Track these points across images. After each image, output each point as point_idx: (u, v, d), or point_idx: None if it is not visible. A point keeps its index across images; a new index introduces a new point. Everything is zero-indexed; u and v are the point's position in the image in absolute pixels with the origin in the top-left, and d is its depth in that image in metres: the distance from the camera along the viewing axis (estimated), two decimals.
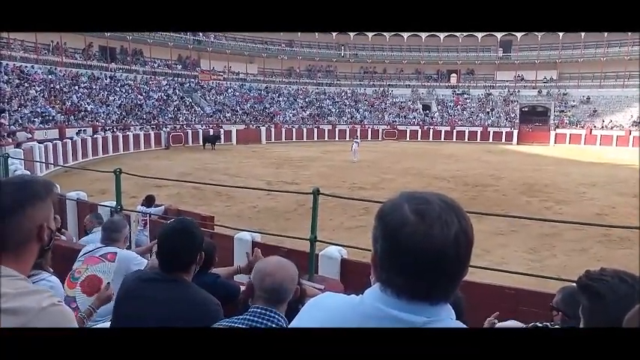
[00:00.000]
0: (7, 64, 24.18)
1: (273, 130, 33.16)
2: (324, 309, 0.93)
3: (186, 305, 1.90)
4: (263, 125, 33.55)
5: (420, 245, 0.82)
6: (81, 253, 3.16)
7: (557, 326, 2.04)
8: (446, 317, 0.86)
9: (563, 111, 37.41)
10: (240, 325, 1.65)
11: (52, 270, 2.23)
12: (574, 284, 1.75)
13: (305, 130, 34.56)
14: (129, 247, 3.72)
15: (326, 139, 34.08)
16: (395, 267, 0.85)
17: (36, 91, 23.85)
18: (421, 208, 0.84)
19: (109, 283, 2.63)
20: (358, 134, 31.31)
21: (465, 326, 0.89)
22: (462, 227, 0.84)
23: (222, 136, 28.67)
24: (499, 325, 2.61)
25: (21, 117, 20.79)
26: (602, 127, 34.24)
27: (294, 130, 34.10)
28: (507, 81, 40.72)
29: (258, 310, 1.63)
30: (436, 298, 0.86)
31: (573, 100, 37.97)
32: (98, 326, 2.43)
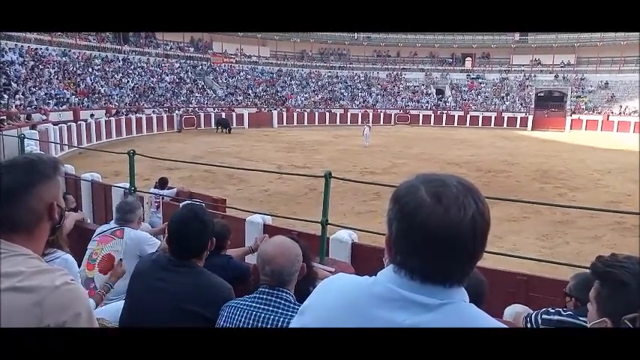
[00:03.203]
0: (21, 45, 24.37)
1: (284, 113, 33.06)
2: (337, 289, 0.93)
3: (199, 289, 1.92)
4: (275, 109, 33.46)
5: (437, 227, 0.81)
6: (95, 233, 3.21)
7: (569, 312, 2.04)
8: (459, 300, 0.86)
9: (580, 96, 36.68)
10: (249, 303, 1.70)
11: (68, 249, 2.27)
12: (587, 271, 1.72)
13: (317, 114, 34.40)
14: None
15: (338, 123, 33.89)
16: (410, 249, 0.84)
17: (50, 73, 24.02)
18: (438, 191, 0.83)
19: (121, 259, 2.70)
20: (370, 118, 31.11)
21: (478, 310, 0.88)
22: (479, 210, 0.83)
23: (231, 122, 28.32)
24: (507, 309, 2.60)
25: (36, 99, 21.00)
26: (620, 113, 33.55)
27: (305, 113, 33.95)
28: (524, 65, 39.97)
29: (266, 290, 1.69)
30: (450, 281, 0.85)
31: (591, 85, 37.20)
32: (114, 304, 2.47)
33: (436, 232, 0.81)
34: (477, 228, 0.82)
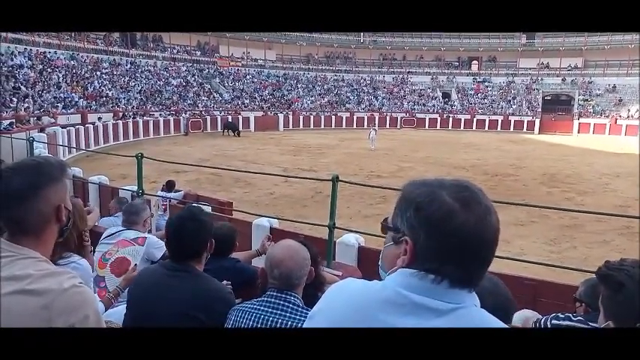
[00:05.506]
0: (30, 49, 24.59)
1: (290, 117, 33.12)
2: (347, 294, 0.93)
3: (198, 294, 1.90)
4: (281, 112, 33.54)
5: (471, 234, 0.83)
6: (103, 236, 3.22)
7: (579, 318, 2.02)
8: (470, 305, 0.86)
9: (587, 100, 36.45)
10: (257, 307, 1.70)
11: (87, 254, 2.27)
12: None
13: (323, 117, 34.40)
14: (149, 232, 3.76)
15: (344, 126, 33.87)
16: (443, 256, 0.84)
17: (58, 77, 24.22)
18: (465, 196, 0.85)
19: (135, 264, 2.70)
20: (376, 122, 31.09)
21: (489, 315, 0.87)
22: (495, 214, 0.86)
23: (237, 125, 28.45)
24: (516, 314, 2.58)
25: (44, 102, 21.17)
26: (628, 116, 33.28)
27: (311, 117, 33.97)
28: (530, 68, 39.80)
29: (274, 294, 1.69)
30: (475, 285, 0.87)
31: (598, 89, 36.97)
32: (122, 306, 2.48)
33: (471, 238, 0.83)
34: (497, 231, 0.86)
